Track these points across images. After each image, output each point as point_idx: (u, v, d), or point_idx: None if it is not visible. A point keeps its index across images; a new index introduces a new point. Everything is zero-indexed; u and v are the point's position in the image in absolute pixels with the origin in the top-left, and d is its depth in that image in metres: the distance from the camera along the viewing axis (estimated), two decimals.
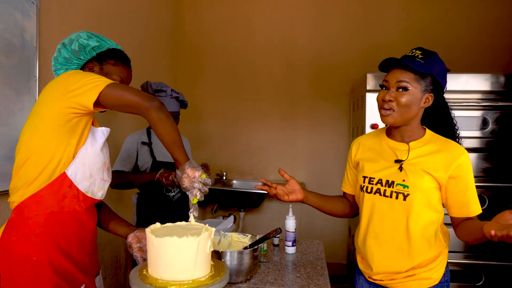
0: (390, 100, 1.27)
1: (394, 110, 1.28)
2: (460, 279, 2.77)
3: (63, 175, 1.18)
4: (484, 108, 2.75)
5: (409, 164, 1.29)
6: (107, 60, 1.37)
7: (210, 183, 1.30)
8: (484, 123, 2.76)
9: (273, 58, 3.92)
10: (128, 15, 2.80)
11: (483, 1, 3.58)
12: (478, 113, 2.77)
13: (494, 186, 2.74)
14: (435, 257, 1.30)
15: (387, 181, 1.31)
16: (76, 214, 1.23)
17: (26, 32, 1.74)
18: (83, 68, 1.35)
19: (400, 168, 1.30)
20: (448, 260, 2.96)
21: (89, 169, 1.23)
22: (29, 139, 1.17)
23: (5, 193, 1.66)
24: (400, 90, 1.26)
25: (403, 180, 1.28)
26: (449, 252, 2.68)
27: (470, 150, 2.76)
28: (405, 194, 1.27)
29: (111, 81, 1.17)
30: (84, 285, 1.26)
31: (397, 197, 1.29)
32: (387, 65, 1.33)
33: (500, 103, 2.70)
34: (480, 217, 1.27)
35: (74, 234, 1.23)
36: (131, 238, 1.33)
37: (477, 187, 2.83)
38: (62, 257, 1.19)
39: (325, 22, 3.83)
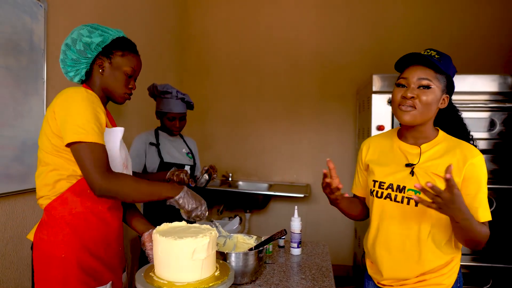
0: (412, 97, 1.21)
1: (415, 108, 1.21)
2: (468, 282, 2.75)
3: (84, 179, 1.22)
4: (492, 109, 2.72)
5: (420, 168, 1.24)
6: (114, 53, 1.34)
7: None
8: (492, 124, 2.74)
9: (279, 59, 3.92)
10: (134, 17, 2.82)
11: (490, 1, 3.55)
12: (485, 115, 2.75)
13: (502, 188, 2.71)
14: (446, 263, 1.25)
15: (398, 186, 1.26)
16: (99, 214, 1.28)
17: (34, 35, 1.76)
18: (92, 64, 1.33)
19: (412, 173, 1.25)
20: None
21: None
22: (46, 156, 1.24)
23: (14, 194, 1.68)
24: (421, 88, 1.21)
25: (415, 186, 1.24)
26: None
27: None
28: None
29: (98, 140, 1.17)
30: (111, 282, 1.31)
31: (408, 203, 1.24)
32: (405, 62, 1.26)
33: (507, 105, 2.67)
34: (489, 223, 1.20)
35: (100, 233, 1.28)
36: (145, 236, 1.36)
37: None
38: (89, 255, 1.25)
39: (330, 23, 3.83)
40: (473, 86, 2.73)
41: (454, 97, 2.76)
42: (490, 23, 3.55)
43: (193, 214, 1.32)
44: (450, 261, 1.26)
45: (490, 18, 3.55)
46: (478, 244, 1.20)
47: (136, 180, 1.23)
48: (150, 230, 1.37)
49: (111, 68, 1.33)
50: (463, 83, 2.72)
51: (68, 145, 1.17)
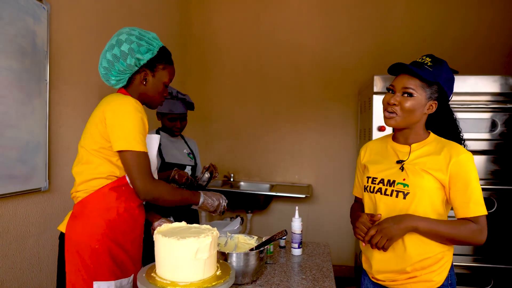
0: (394, 104, 1.31)
1: (397, 114, 1.32)
2: (469, 282, 2.75)
3: (123, 178, 1.37)
4: (493, 110, 2.72)
5: (410, 164, 1.32)
6: (157, 66, 1.45)
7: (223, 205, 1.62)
8: (493, 125, 2.74)
9: (281, 60, 3.93)
10: (137, 19, 2.83)
11: (492, 1, 3.55)
12: (487, 115, 2.75)
13: (503, 189, 2.72)
14: (437, 259, 1.29)
15: (389, 180, 1.34)
16: (130, 210, 1.39)
17: (37, 37, 1.78)
18: (135, 74, 1.43)
19: (402, 168, 1.33)
20: (456, 263, 2.93)
21: None
22: (88, 155, 1.34)
23: (17, 194, 1.69)
24: (405, 95, 1.30)
25: (404, 179, 1.31)
26: (457, 255, 2.69)
27: (478, 152, 2.73)
28: (405, 192, 1.29)
29: (143, 149, 1.32)
30: (132, 275, 1.41)
31: (397, 196, 1.31)
32: (395, 69, 1.36)
33: (509, 105, 2.68)
34: (487, 221, 1.27)
35: (129, 227, 1.39)
36: (155, 225, 1.56)
37: (485, 189, 2.80)
38: (119, 248, 1.35)
39: (332, 25, 3.83)
40: (475, 87, 2.74)
41: (456, 97, 2.78)
42: (491, 24, 3.55)
43: (218, 208, 1.60)
44: (441, 258, 1.30)
45: (492, 19, 3.55)
46: (466, 243, 1.27)
47: (172, 188, 1.43)
48: (160, 220, 1.57)
49: (153, 80, 1.46)
50: (465, 84, 2.72)
51: (118, 151, 1.31)
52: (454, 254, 2.73)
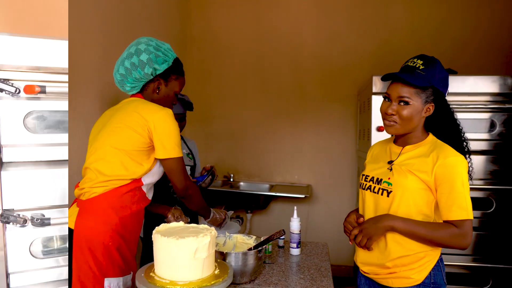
0: (392, 114, 1.34)
1: (396, 123, 1.34)
2: (468, 282, 2.75)
3: (139, 180, 1.43)
4: (492, 110, 2.73)
5: (398, 165, 1.37)
6: (170, 76, 1.56)
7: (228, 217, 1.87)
8: (492, 125, 2.74)
9: (281, 61, 3.93)
10: (137, 20, 2.84)
11: (491, 2, 3.56)
12: (485, 116, 2.75)
13: (502, 189, 2.72)
14: (418, 258, 1.31)
15: (377, 179, 1.40)
16: (139, 211, 1.46)
17: None
18: (149, 82, 1.53)
19: (390, 168, 1.38)
20: (455, 263, 2.92)
21: (155, 179, 1.51)
22: (114, 154, 1.39)
23: None
24: (402, 103, 1.32)
25: (389, 178, 1.36)
26: (455, 254, 2.69)
27: (477, 152, 2.73)
28: (389, 191, 1.34)
29: (181, 155, 1.46)
30: (132, 272, 1.44)
31: (382, 194, 1.37)
32: (389, 78, 1.37)
33: (507, 105, 2.68)
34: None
35: (135, 226, 1.46)
36: (170, 215, 1.70)
37: (484, 189, 2.79)
38: (125, 245, 1.40)
39: (332, 25, 3.84)
40: (474, 87, 2.74)
41: (455, 98, 2.79)
42: (490, 25, 3.55)
43: (222, 223, 1.83)
44: (422, 257, 1.32)
45: (491, 20, 3.55)
46: (446, 246, 1.29)
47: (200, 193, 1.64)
48: (171, 211, 1.71)
49: (166, 89, 1.56)
50: (464, 84, 2.73)
51: (166, 158, 1.43)
52: (452, 254, 2.73)
